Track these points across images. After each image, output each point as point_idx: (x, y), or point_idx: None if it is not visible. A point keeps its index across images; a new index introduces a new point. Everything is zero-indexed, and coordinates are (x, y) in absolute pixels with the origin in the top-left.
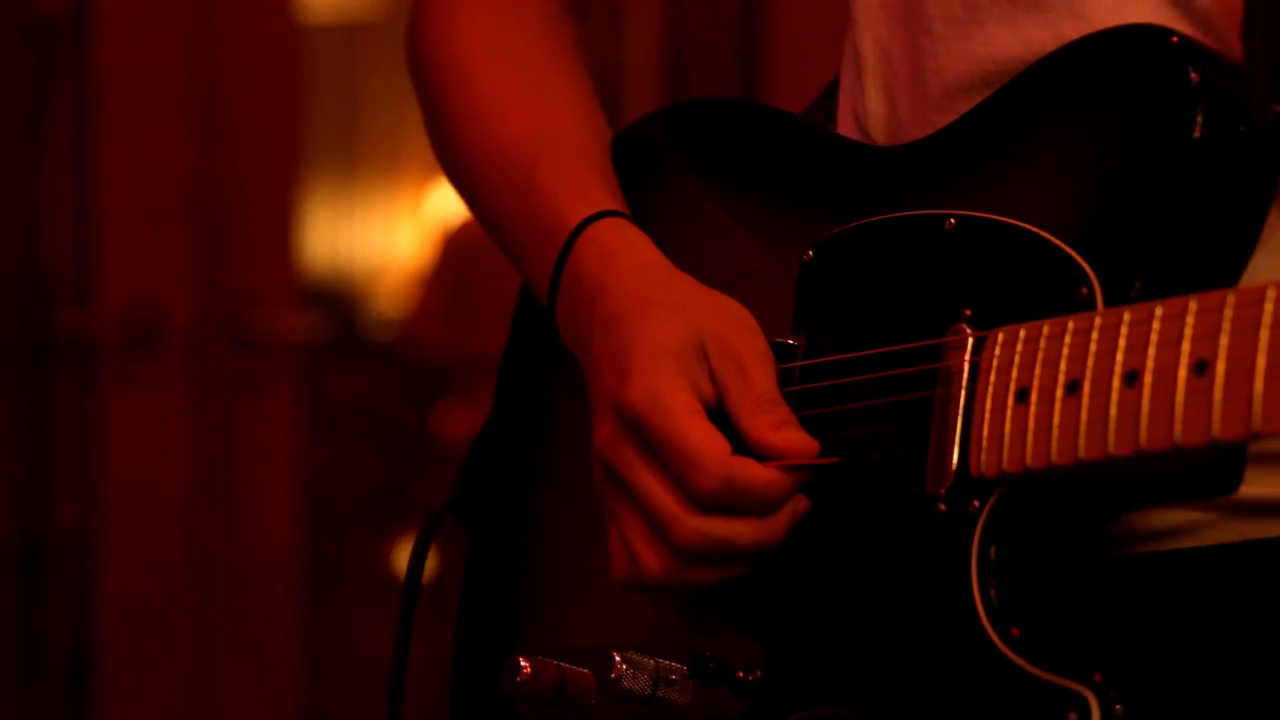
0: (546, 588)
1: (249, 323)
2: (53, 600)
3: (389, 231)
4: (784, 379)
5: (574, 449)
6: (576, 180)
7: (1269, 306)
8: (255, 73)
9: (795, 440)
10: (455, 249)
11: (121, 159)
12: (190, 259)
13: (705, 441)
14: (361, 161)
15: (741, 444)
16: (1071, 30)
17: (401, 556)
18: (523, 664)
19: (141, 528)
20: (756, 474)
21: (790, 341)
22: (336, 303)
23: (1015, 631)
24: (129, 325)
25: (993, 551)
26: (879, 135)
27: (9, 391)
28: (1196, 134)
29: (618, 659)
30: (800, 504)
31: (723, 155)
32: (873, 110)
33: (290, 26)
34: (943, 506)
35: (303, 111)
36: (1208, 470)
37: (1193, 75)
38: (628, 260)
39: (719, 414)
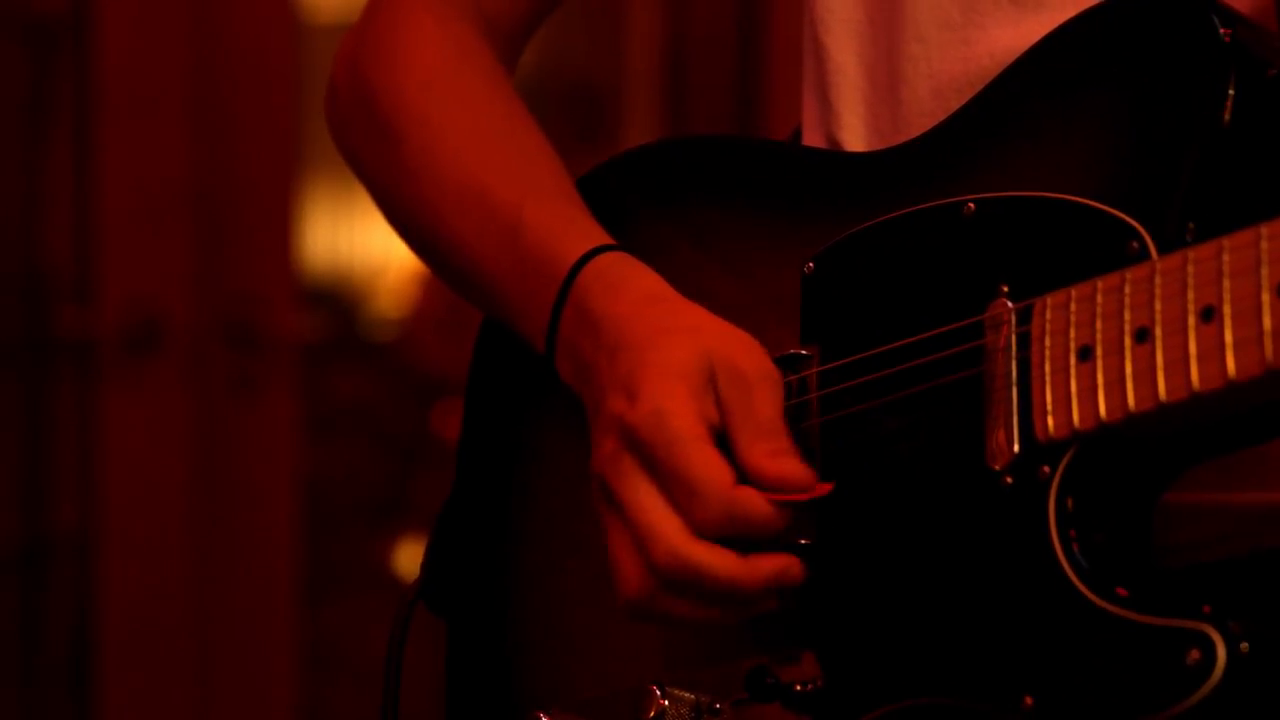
0: (546, 643)
1: (249, 323)
2: (53, 600)
3: (389, 231)
4: (802, 388)
5: (563, 498)
6: (570, 218)
7: None
8: (256, 73)
9: (790, 468)
10: None
11: (121, 159)
12: (190, 259)
13: (708, 470)
14: None
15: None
16: None
17: (402, 557)
18: (543, 718)
19: (141, 527)
20: (758, 505)
21: (803, 351)
22: (336, 303)
23: (1115, 587)
24: (129, 325)
25: (1070, 504)
26: (859, 148)
27: (9, 391)
28: (1231, 87)
29: (658, 693)
30: (792, 568)
31: (685, 195)
32: (849, 124)
33: (291, 26)
34: (1009, 480)
35: (303, 111)
36: None
37: (1221, 29)
38: (636, 290)
39: (723, 439)
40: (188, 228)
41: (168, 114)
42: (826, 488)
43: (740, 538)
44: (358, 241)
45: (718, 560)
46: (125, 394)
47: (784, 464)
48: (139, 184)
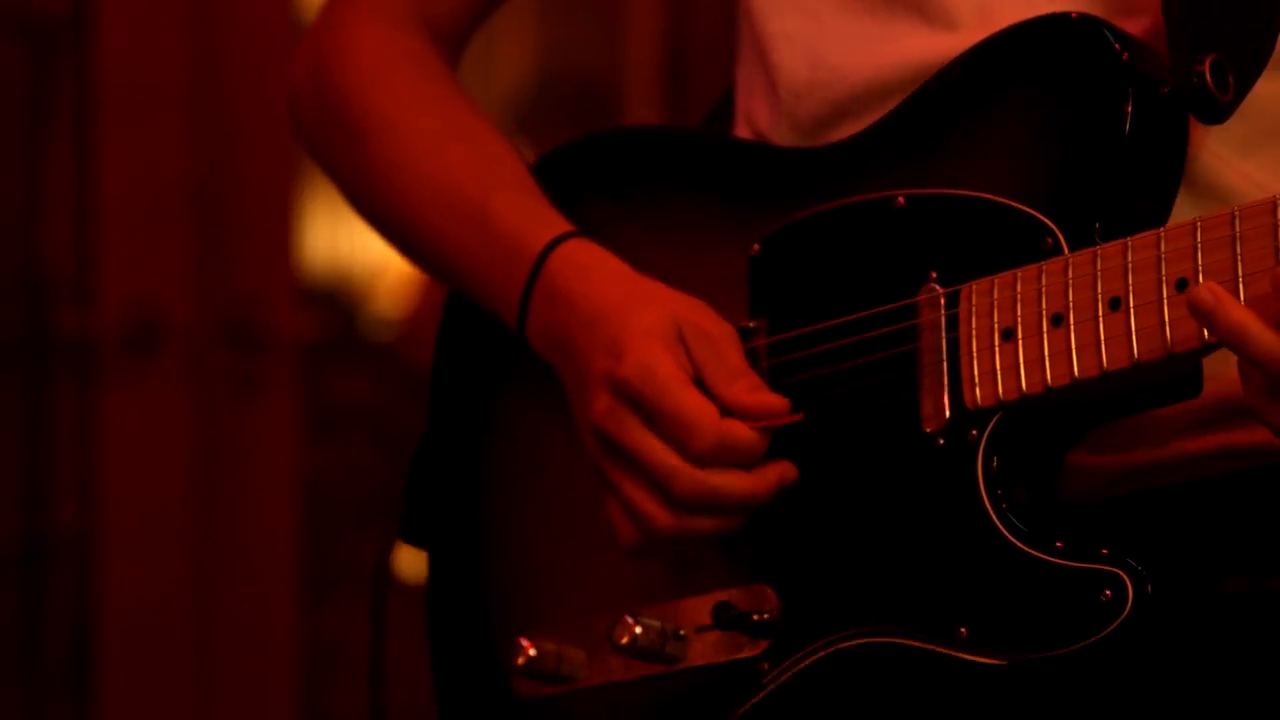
0: (519, 579)
1: (249, 323)
2: (53, 600)
3: None
4: (751, 358)
5: (533, 446)
6: (533, 208)
7: (1238, 226)
8: (255, 72)
9: (768, 400)
10: None
11: (121, 159)
12: (190, 259)
13: (698, 406)
14: None
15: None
16: None
17: (402, 557)
18: (524, 644)
19: (141, 528)
20: (745, 433)
21: (750, 324)
22: (336, 303)
23: (1035, 534)
24: (129, 325)
25: (995, 464)
26: (778, 137)
27: (9, 391)
28: (1129, 104)
29: (631, 621)
30: (789, 471)
31: (631, 183)
32: (773, 120)
33: (291, 26)
34: (941, 441)
35: None
36: (1178, 379)
37: (1119, 50)
38: (603, 271)
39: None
40: (188, 228)
41: (168, 114)
42: (799, 416)
43: (729, 464)
44: (358, 241)
45: (733, 479)
46: (125, 394)
47: (762, 396)
48: (139, 184)
